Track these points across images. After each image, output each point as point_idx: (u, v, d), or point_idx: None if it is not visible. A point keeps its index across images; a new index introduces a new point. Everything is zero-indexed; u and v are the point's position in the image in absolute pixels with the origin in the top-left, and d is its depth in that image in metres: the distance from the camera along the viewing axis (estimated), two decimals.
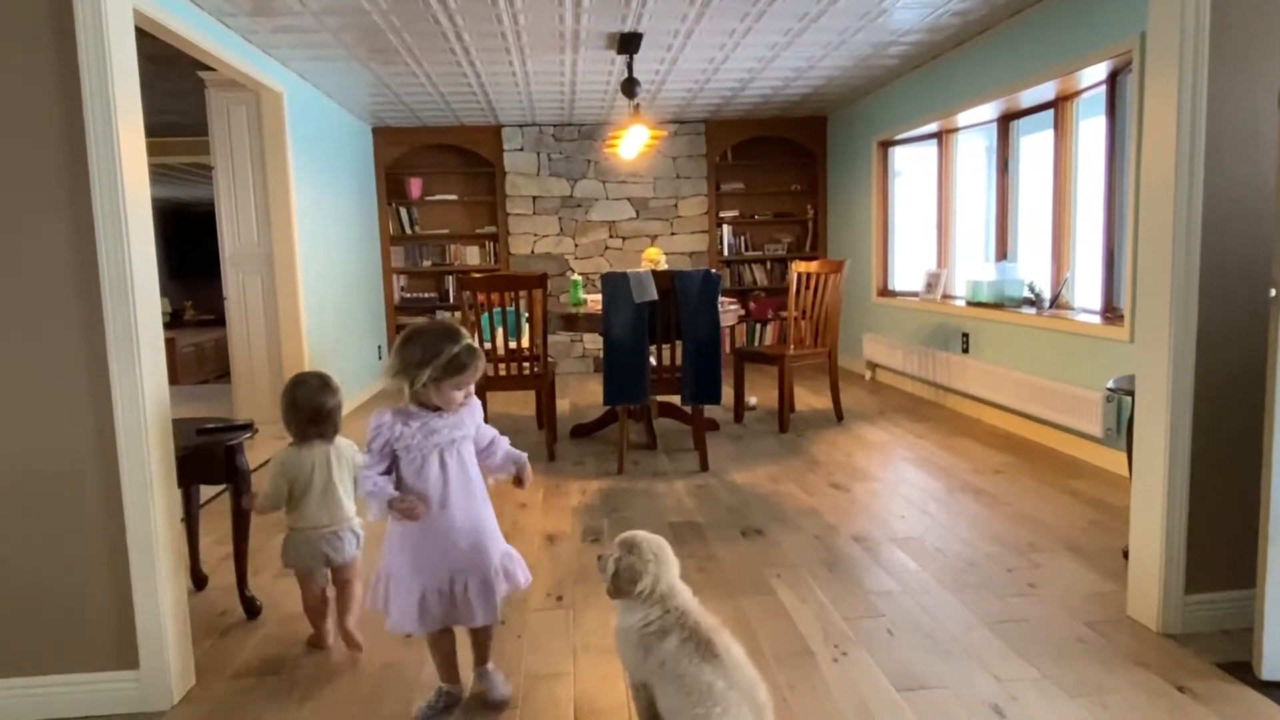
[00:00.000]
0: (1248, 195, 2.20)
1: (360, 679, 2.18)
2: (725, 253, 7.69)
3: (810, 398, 5.88)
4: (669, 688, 1.66)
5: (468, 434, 1.97)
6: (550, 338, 4.74)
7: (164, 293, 10.00)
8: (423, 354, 1.86)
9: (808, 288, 5.05)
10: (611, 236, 7.60)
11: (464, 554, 1.93)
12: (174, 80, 5.19)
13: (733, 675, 1.62)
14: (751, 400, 5.57)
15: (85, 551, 2.01)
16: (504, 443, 2.08)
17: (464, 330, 1.93)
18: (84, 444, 1.98)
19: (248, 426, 2.59)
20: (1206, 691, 2.00)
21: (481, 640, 2.06)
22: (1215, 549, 2.28)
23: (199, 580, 2.79)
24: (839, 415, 5.13)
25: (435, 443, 1.90)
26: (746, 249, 7.77)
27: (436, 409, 1.91)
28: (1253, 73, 2.16)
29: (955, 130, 5.64)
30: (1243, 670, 2.07)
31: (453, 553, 1.92)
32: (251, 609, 2.56)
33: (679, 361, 4.22)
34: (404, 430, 1.89)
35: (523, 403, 5.96)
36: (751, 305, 7.66)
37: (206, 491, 3.46)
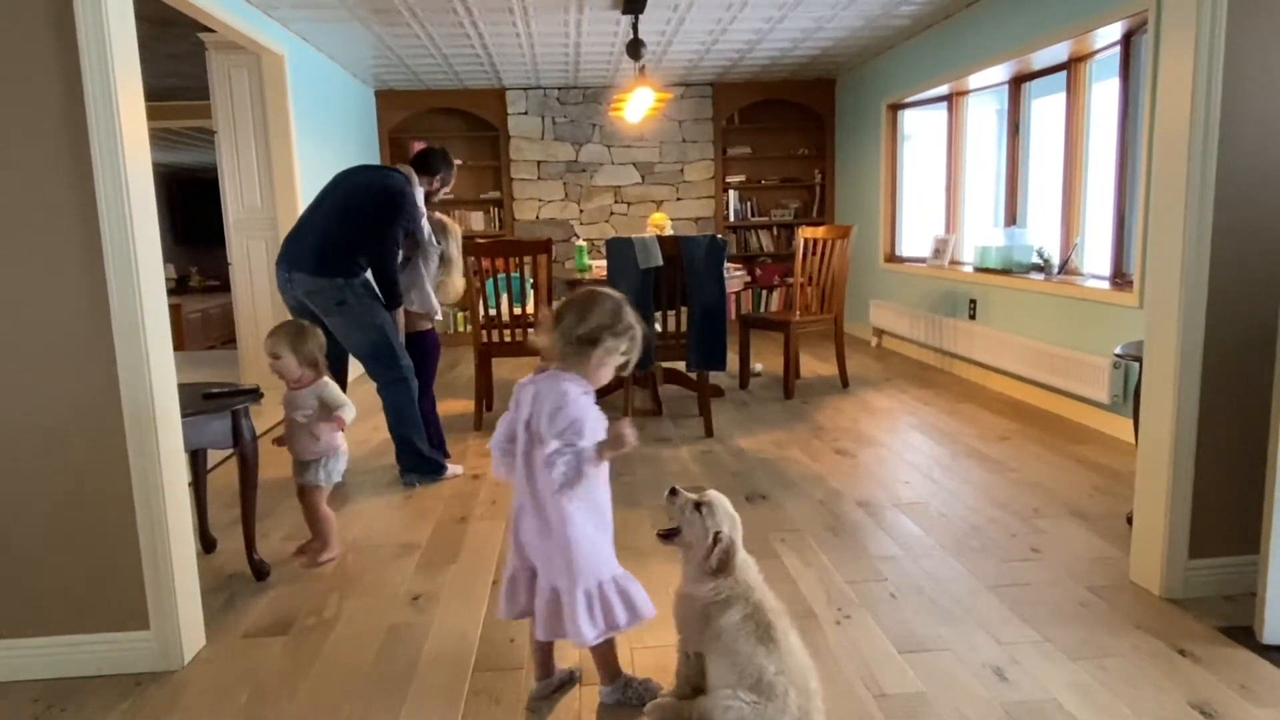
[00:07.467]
0: (1264, 160, 2.16)
1: (368, 639, 2.20)
2: (731, 218, 7.63)
3: (816, 364, 5.87)
4: (721, 661, 1.66)
5: None
6: (555, 304, 4.74)
7: (170, 259, 10.01)
8: (613, 322, 1.75)
9: (814, 253, 5.01)
10: (617, 202, 7.54)
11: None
12: (174, 43, 5.13)
13: (786, 662, 1.63)
14: (757, 367, 5.56)
15: (94, 515, 2.03)
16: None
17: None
18: (91, 410, 1.99)
19: (254, 391, 2.59)
20: (1207, 654, 2.01)
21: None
22: (1220, 514, 2.28)
23: (208, 543, 2.82)
24: (844, 382, 5.12)
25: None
26: (753, 214, 7.71)
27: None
28: (1273, 33, 2.11)
29: (966, 93, 5.56)
30: (1244, 634, 2.08)
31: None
32: (260, 571, 2.59)
33: (684, 328, 4.20)
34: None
35: (528, 369, 5.95)
36: (758, 271, 7.62)
37: (214, 456, 3.49)
